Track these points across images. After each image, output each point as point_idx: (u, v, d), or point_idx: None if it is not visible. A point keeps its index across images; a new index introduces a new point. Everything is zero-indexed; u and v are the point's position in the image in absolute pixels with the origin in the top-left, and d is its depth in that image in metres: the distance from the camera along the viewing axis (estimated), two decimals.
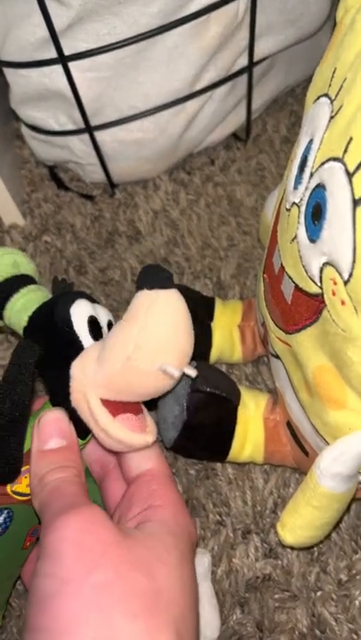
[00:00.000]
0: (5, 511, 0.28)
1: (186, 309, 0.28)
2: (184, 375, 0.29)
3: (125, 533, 0.24)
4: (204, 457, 0.37)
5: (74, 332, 0.30)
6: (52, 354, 0.30)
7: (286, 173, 0.33)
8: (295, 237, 0.29)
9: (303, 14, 0.47)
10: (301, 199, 0.28)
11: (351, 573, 0.34)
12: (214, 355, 0.41)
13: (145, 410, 0.30)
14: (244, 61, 0.49)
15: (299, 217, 0.28)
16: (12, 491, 0.28)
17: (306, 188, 0.28)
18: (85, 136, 0.49)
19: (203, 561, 0.30)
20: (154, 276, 0.28)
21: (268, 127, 0.57)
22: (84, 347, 0.30)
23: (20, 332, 0.32)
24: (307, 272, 0.27)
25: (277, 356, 0.34)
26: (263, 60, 0.50)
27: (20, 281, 0.33)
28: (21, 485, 0.28)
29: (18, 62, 0.43)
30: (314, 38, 0.53)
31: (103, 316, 0.32)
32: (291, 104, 0.59)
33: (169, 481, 0.28)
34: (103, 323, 0.32)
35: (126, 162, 0.51)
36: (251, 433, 0.36)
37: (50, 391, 0.31)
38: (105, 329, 0.32)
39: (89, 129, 0.48)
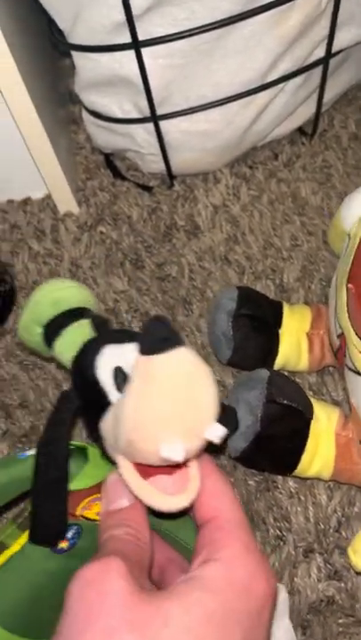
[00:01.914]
0: (75, 527, 0.27)
1: (193, 371, 0.23)
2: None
3: (138, 589, 0.21)
4: (269, 469, 0.36)
5: (100, 387, 0.27)
6: (84, 407, 0.28)
7: None
8: None
9: None
10: None
11: None
12: (279, 362, 0.39)
13: (193, 467, 0.26)
14: (320, 52, 0.46)
15: None
16: (81, 515, 0.27)
17: None
18: (149, 125, 0.47)
19: (278, 597, 0.29)
20: (152, 336, 0.23)
21: (335, 122, 0.55)
22: (112, 402, 0.27)
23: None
24: None
25: (358, 372, 0.32)
26: (340, 51, 0.47)
27: (59, 321, 0.32)
28: (91, 512, 0.28)
29: (89, 46, 0.41)
30: None
31: (131, 356, 0.28)
32: (360, 98, 0.56)
33: (235, 527, 0.24)
34: (130, 364, 0.28)
35: (189, 153, 0.49)
36: (321, 448, 0.34)
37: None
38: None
39: (154, 118, 0.46)
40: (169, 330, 0.24)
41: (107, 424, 0.26)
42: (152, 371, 0.23)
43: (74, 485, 0.27)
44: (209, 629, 0.20)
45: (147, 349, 0.23)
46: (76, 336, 0.31)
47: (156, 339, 0.23)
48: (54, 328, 0.32)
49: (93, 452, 0.29)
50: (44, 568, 0.28)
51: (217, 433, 0.23)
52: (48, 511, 0.26)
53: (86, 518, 0.28)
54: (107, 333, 0.31)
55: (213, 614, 0.21)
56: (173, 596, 0.21)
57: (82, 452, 0.28)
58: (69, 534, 0.28)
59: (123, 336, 0.29)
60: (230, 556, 0.23)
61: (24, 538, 0.28)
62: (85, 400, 0.28)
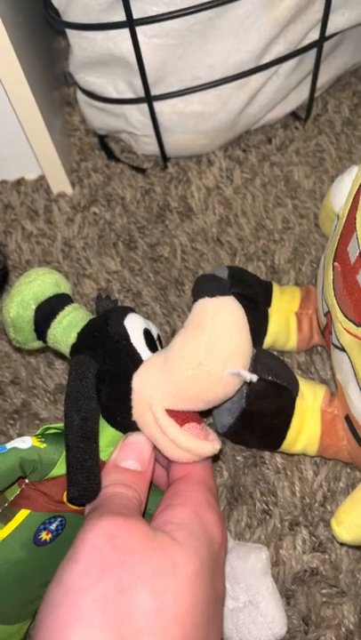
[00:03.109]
0: (59, 519, 0.28)
1: (244, 314, 0.28)
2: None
3: (153, 539, 0.23)
4: (255, 445, 0.37)
5: (131, 344, 0.29)
6: (108, 368, 0.29)
7: None
8: None
9: None
10: None
11: None
12: (268, 341, 0.40)
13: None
14: (314, 35, 0.46)
15: None
16: (68, 500, 0.28)
17: None
18: (143, 106, 0.47)
19: (260, 556, 0.29)
20: (212, 285, 0.29)
21: (328, 107, 0.55)
22: (143, 359, 0.29)
23: (67, 349, 0.31)
24: None
25: (343, 349, 0.33)
26: (334, 35, 0.48)
27: (63, 299, 0.33)
28: None
29: (84, 24, 0.42)
30: None
31: (153, 330, 0.32)
32: (354, 84, 0.56)
33: (199, 485, 0.27)
34: (155, 336, 0.32)
35: (183, 135, 0.50)
36: (307, 425, 0.35)
37: (105, 406, 0.29)
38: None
39: (148, 98, 0.46)
40: (224, 283, 0.29)
41: (144, 373, 0.28)
42: (222, 308, 0.27)
43: (56, 471, 0.28)
44: (202, 577, 0.23)
45: (214, 293, 0.28)
46: (76, 314, 0.32)
47: (218, 286, 0.28)
48: (51, 306, 0.32)
49: None
50: (23, 559, 0.28)
51: (254, 378, 0.28)
52: (86, 467, 0.26)
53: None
54: (116, 303, 0.34)
55: (204, 562, 0.23)
56: (176, 542, 0.23)
57: (61, 437, 0.28)
58: (53, 526, 0.28)
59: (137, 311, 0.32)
60: (190, 502, 0.26)
61: (5, 531, 0.28)
62: (110, 361, 0.29)
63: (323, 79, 0.52)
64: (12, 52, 0.41)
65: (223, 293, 0.28)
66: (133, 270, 0.48)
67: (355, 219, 0.31)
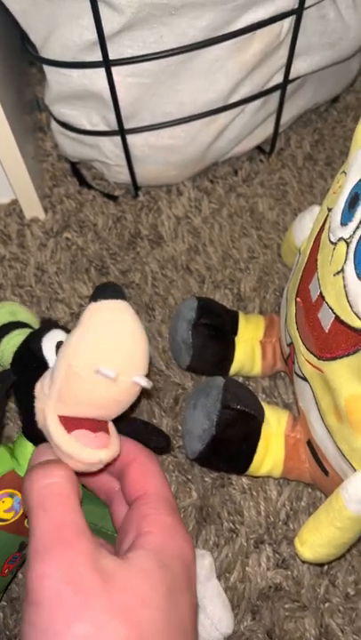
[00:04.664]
0: None
1: (133, 319, 0.27)
2: (140, 386, 0.27)
3: (110, 575, 0.23)
4: (223, 469, 0.39)
5: (42, 354, 0.30)
6: (24, 379, 0.30)
7: (327, 204, 0.34)
8: (341, 271, 0.30)
9: (342, 39, 0.48)
10: (351, 236, 0.29)
11: (358, 588, 0.36)
12: (235, 368, 0.42)
13: (113, 432, 0.29)
14: (278, 78, 0.49)
15: (348, 253, 0.29)
16: None
17: (358, 227, 0.29)
18: (117, 137, 0.49)
19: (203, 563, 0.31)
20: (100, 290, 0.28)
21: (291, 142, 0.58)
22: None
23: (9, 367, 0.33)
24: (352, 307, 0.29)
25: (304, 378, 0.35)
26: (297, 78, 0.51)
27: (15, 325, 0.35)
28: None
29: (62, 62, 0.43)
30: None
31: None
32: (315, 121, 0.60)
33: (163, 504, 0.27)
34: None
35: (154, 166, 0.52)
36: (271, 450, 0.37)
37: (21, 417, 0.31)
38: None
39: (122, 131, 0.48)
40: (116, 288, 0.28)
41: (43, 381, 0.29)
42: (99, 310, 0.27)
43: None
44: (170, 600, 0.24)
45: (96, 297, 0.27)
46: (22, 336, 0.34)
47: (107, 290, 0.28)
48: (1, 331, 0.34)
49: None
50: None
51: (143, 382, 0.27)
52: None
53: None
54: (55, 323, 0.34)
55: (170, 588, 0.24)
56: (141, 574, 0.24)
57: None
58: None
59: (69, 328, 0.33)
60: (160, 528, 0.26)
61: None
62: (25, 372, 0.30)
63: (286, 117, 0.55)
64: None
65: (108, 297, 0.27)
66: None
67: (316, 260, 0.34)
